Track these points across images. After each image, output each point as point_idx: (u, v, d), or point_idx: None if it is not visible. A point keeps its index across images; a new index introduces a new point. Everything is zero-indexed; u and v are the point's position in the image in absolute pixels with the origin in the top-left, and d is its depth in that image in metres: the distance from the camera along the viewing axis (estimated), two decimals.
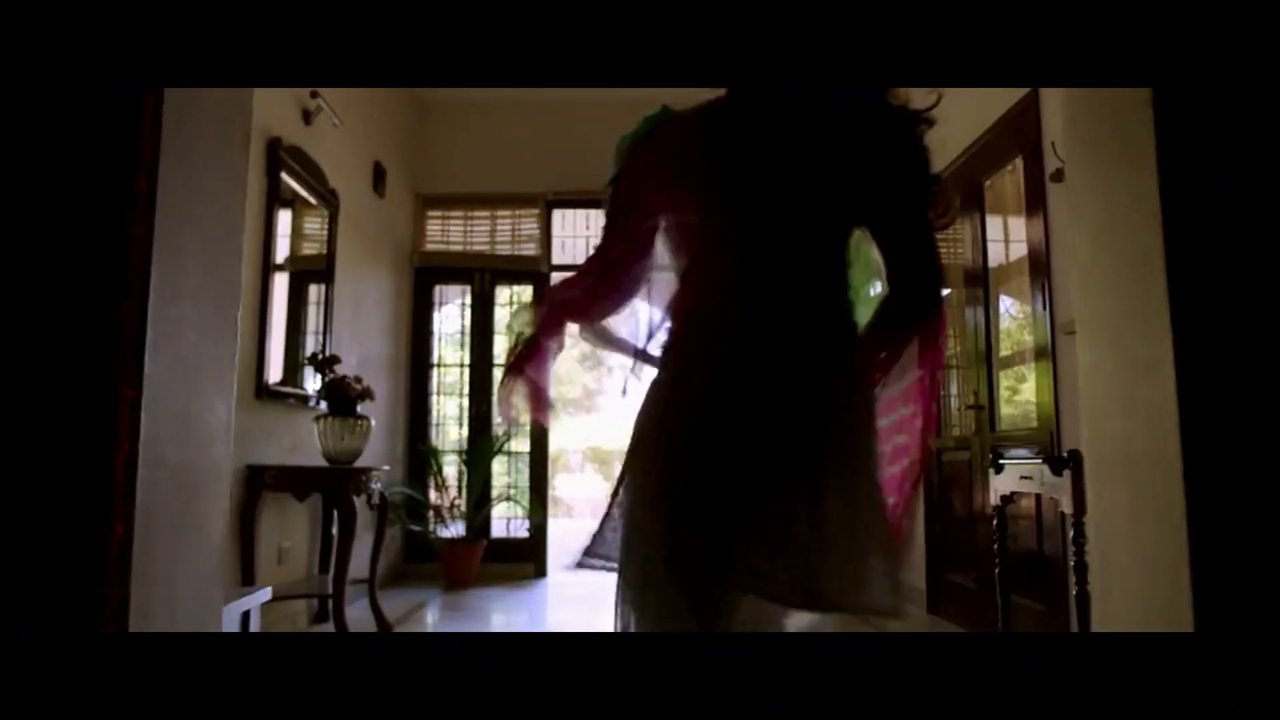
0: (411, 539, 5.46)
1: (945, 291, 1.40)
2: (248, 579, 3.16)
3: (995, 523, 2.87)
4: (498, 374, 5.98)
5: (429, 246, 5.94)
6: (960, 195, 4.08)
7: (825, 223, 1.23)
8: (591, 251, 1.43)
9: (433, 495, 5.48)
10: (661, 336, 1.30)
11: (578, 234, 6.09)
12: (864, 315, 1.27)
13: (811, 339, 1.18)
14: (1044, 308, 3.24)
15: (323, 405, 3.72)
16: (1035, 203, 3.32)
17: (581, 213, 6.07)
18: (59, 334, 1.02)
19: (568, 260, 6.04)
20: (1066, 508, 2.32)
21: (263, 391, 3.39)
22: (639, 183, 1.34)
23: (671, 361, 1.26)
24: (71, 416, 1.02)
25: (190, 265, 1.22)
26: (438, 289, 5.97)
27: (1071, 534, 2.29)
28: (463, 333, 5.97)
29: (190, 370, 1.22)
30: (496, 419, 5.88)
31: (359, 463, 3.71)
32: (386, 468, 4.19)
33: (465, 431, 5.77)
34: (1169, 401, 1.15)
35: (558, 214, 6.02)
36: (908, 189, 1.24)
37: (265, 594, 2.26)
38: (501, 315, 6.06)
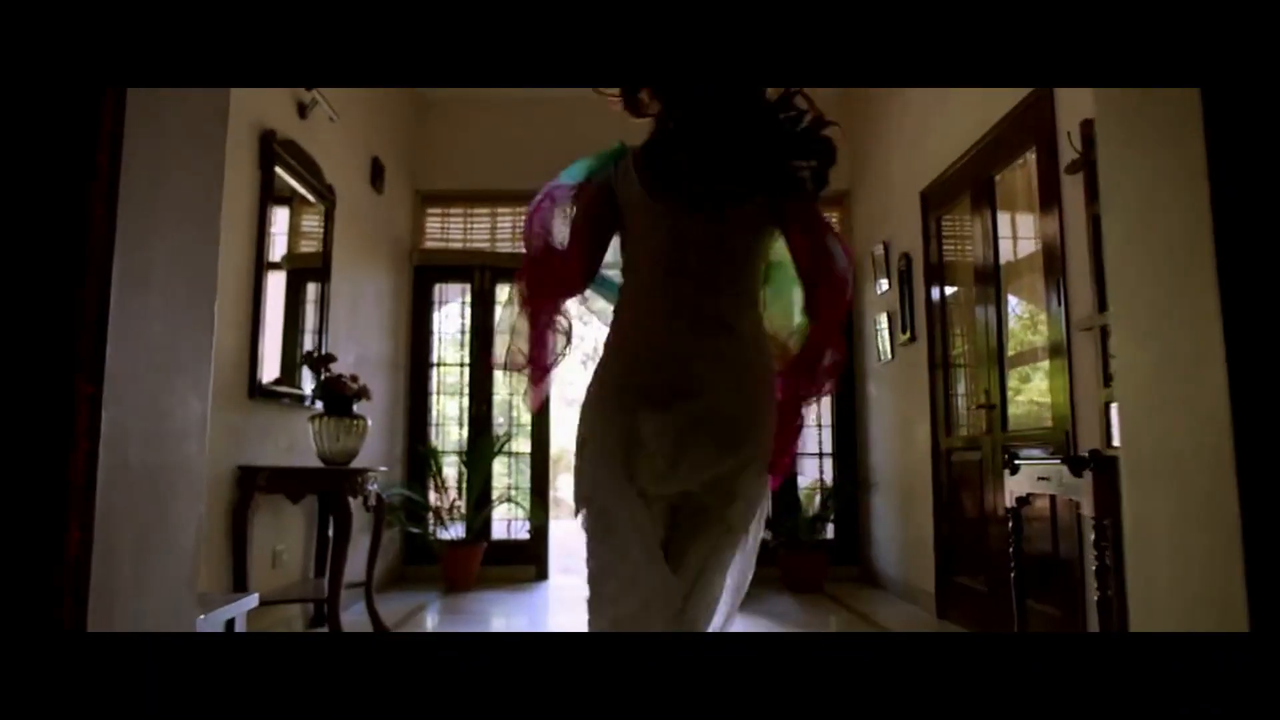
0: (411, 541, 5.38)
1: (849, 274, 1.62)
2: (239, 584, 3.08)
3: (1010, 525, 2.78)
4: (498, 375, 5.91)
5: (428, 244, 5.86)
6: (969, 191, 3.99)
7: (741, 229, 1.51)
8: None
9: (432, 497, 5.40)
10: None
11: None
12: (777, 315, 1.65)
13: (723, 331, 1.47)
14: (1059, 304, 3.15)
15: (319, 405, 3.64)
16: (1049, 196, 3.23)
17: None
18: (5, 323, 0.93)
19: None
20: (1088, 510, 2.22)
21: (256, 391, 3.31)
22: (599, 198, 1.57)
23: (612, 344, 1.56)
24: (21, 413, 0.93)
25: (159, 253, 1.13)
26: (438, 287, 5.89)
27: (1093, 537, 2.20)
28: (463, 332, 5.88)
29: (159, 364, 1.14)
30: (499, 419, 5.81)
31: (355, 463, 3.63)
32: (384, 469, 4.11)
33: (465, 432, 5.68)
34: (1217, 397, 1.06)
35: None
36: (811, 185, 1.53)
37: (251, 601, 2.17)
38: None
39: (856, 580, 5.40)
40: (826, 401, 5.86)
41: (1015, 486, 2.72)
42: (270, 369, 3.51)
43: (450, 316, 5.97)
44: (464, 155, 5.83)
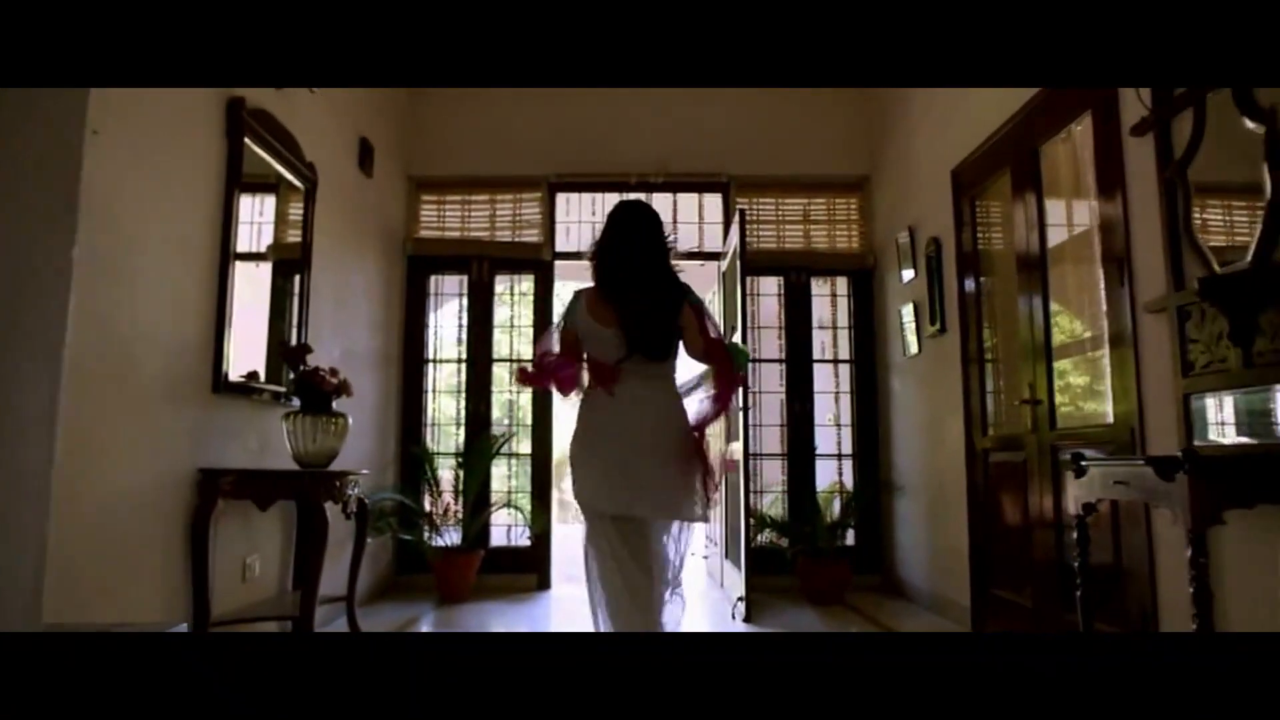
0: (404, 549, 5.04)
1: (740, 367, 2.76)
2: (200, 602, 2.74)
3: (1075, 534, 2.42)
4: (497, 369, 5.59)
5: (423, 233, 5.53)
6: (1010, 166, 3.63)
7: (657, 339, 2.55)
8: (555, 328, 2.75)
9: (427, 502, 5.06)
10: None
11: (583, 219, 5.67)
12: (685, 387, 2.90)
13: (653, 399, 2.55)
14: (1121, 285, 2.79)
15: (296, 402, 3.31)
16: (1109, 165, 2.87)
17: (587, 197, 5.65)
18: None
19: (572, 247, 5.62)
20: (1181, 520, 1.87)
21: (221, 386, 2.98)
22: (572, 324, 2.64)
23: (584, 407, 2.65)
24: None
25: None
26: (433, 279, 5.56)
27: (1189, 552, 1.84)
28: (460, 326, 5.54)
29: None
30: (501, 420, 5.47)
31: (335, 465, 3.30)
32: (365, 471, 3.76)
33: (464, 433, 5.34)
34: None
35: (561, 198, 5.60)
36: (692, 322, 2.56)
37: (179, 628, 1.83)
38: (501, 307, 5.65)
39: (879, 590, 5.04)
40: (845, 399, 5.51)
41: (1082, 491, 2.37)
42: (246, 363, 3.19)
43: (447, 310, 5.63)
44: (460, 140, 5.51)
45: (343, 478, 3.24)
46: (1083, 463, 2.37)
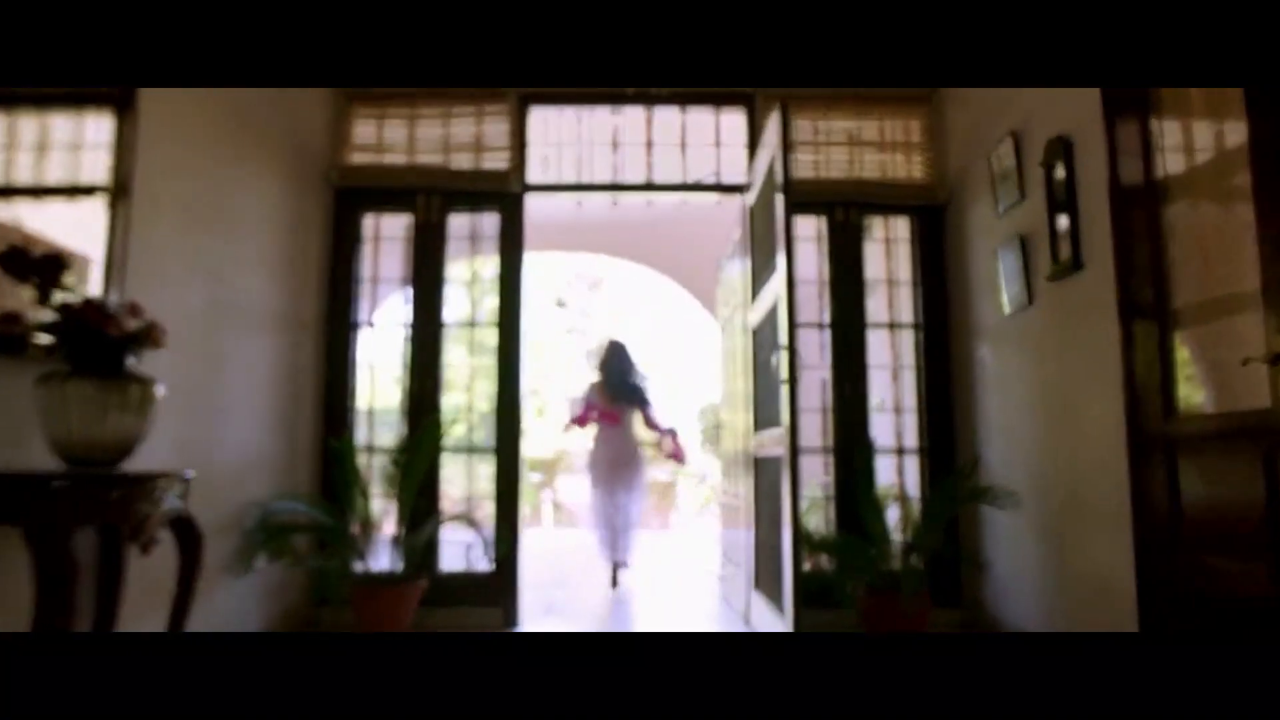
0: (324, 577, 3.72)
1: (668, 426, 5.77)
2: None
3: None
4: (450, 338, 4.28)
5: (356, 158, 4.21)
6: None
7: (629, 407, 5.46)
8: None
9: (353, 514, 3.74)
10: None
11: (564, 140, 4.36)
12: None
13: (629, 439, 5.47)
14: None
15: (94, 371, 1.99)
16: None
17: (570, 111, 4.34)
18: None
19: (551, 179, 4.31)
20: None
21: None
22: (590, 397, 5.56)
23: (594, 441, 5.54)
24: None
25: None
26: (369, 219, 4.25)
27: None
28: (404, 281, 4.23)
29: None
30: (456, 411, 4.16)
31: (134, 465, 1.99)
32: (191, 473, 2.39)
33: (408, 422, 4.03)
34: None
35: (536, 113, 4.30)
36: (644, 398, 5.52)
37: None
38: (458, 254, 4.32)
39: (962, 629, 3.75)
40: (907, 377, 4.21)
41: None
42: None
43: (388, 259, 4.31)
44: None
45: (145, 484, 1.93)
46: None
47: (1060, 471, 3.07)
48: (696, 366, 13.97)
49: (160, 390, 2.00)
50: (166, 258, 2.67)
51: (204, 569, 2.25)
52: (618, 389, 5.41)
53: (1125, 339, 2.66)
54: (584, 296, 15.33)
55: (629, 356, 5.55)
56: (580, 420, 5.51)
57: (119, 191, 2.46)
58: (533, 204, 4.29)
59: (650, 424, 5.54)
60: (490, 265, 4.25)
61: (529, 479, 11.19)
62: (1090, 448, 2.86)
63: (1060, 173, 3.06)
